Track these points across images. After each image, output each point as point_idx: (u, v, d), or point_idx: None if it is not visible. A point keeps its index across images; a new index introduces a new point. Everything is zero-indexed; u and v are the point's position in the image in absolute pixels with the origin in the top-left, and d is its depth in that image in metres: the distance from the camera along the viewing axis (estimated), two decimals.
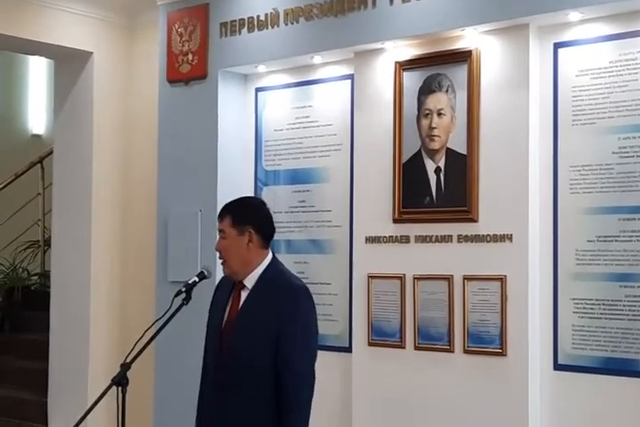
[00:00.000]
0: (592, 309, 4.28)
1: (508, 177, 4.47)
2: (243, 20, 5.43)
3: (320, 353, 3.54)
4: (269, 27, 5.30)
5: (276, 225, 3.62)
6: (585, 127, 4.34)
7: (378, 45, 4.89)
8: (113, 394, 3.28)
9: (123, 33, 6.49)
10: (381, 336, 4.86)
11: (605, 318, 4.24)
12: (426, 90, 4.76)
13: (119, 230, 6.47)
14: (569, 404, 4.34)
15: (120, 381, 3.29)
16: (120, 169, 6.48)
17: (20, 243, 8.33)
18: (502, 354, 4.43)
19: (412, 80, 4.81)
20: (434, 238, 4.71)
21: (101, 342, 6.34)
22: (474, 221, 4.57)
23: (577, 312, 4.33)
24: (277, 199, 5.42)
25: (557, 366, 4.38)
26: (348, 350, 5.06)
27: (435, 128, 4.72)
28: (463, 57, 4.62)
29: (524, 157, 4.42)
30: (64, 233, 6.52)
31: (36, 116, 9.79)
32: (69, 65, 6.48)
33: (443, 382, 4.62)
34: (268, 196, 5.47)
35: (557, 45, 4.43)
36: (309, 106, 5.41)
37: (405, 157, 4.82)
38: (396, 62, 4.86)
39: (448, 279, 4.62)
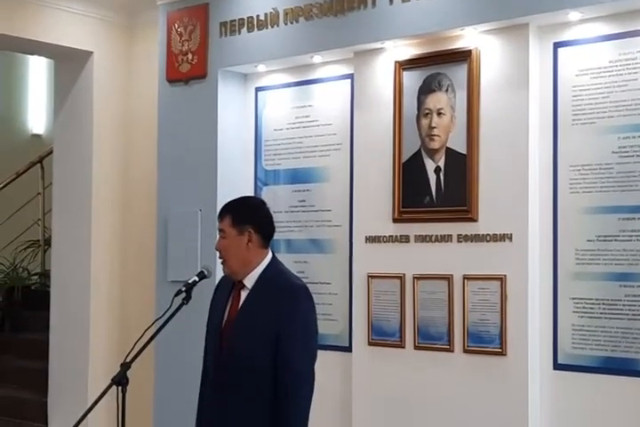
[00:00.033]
0: (592, 308, 4.28)
1: (507, 177, 4.47)
2: (242, 19, 5.43)
3: (320, 353, 3.53)
4: (269, 26, 5.30)
5: (275, 225, 3.62)
6: (585, 127, 4.34)
7: (378, 45, 4.89)
8: (113, 394, 3.28)
9: (122, 32, 6.49)
10: (381, 336, 4.86)
11: (605, 318, 4.25)
12: (426, 89, 4.76)
13: (119, 230, 6.48)
14: (569, 403, 4.34)
15: (120, 380, 3.29)
16: (120, 169, 6.48)
17: (21, 242, 8.33)
18: (502, 354, 4.43)
19: (412, 80, 4.81)
20: (434, 238, 4.71)
21: (101, 341, 6.34)
22: (474, 220, 4.57)
23: (577, 312, 4.33)
24: (277, 199, 5.42)
25: (557, 366, 4.38)
26: (348, 349, 5.06)
27: (434, 128, 4.72)
28: (463, 56, 4.62)
29: (523, 157, 4.42)
30: (64, 233, 6.52)
31: (36, 116, 9.79)
32: (69, 64, 6.49)
33: (442, 382, 4.63)
34: (267, 195, 5.47)
35: (557, 45, 4.43)
36: (309, 105, 5.41)
37: (405, 157, 4.82)
38: (396, 62, 4.86)
39: (448, 279, 4.62)
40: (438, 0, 4.59)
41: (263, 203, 3.67)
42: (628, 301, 4.18)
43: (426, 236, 4.73)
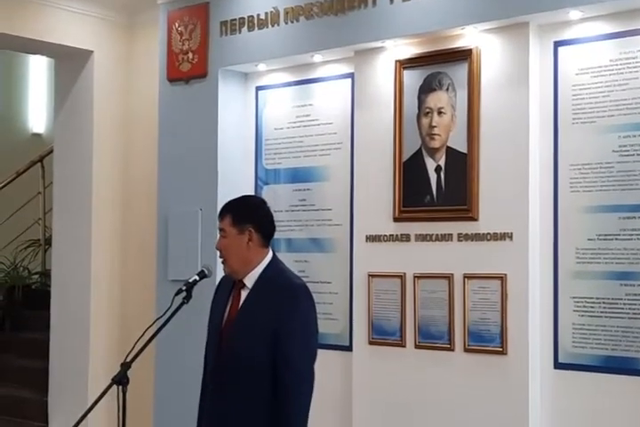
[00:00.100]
0: (592, 307, 4.28)
1: (508, 176, 4.47)
2: (243, 18, 5.43)
3: (320, 352, 3.53)
4: (270, 25, 5.30)
5: (276, 224, 3.62)
6: (585, 126, 4.34)
7: (378, 44, 4.89)
8: (113, 393, 3.28)
9: (123, 32, 6.49)
10: (382, 335, 4.86)
11: (606, 317, 4.25)
12: (426, 88, 4.76)
13: (119, 229, 6.48)
14: (569, 402, 4.34)
15: (120, 380, 3.29)
16: (120, 168, 6.48)
17: (21, 242, 8.33)
18: (502, 353, 4.43)
19: (413, 79, 4.81)
20: (434, 237, 4.71)
21: (102, 340, 6.34)
22: (474, 219, 4.57)
23: (577, 311, 4.33)
24: (278, 198, 5.42)
25: (558, 365, 4.37)
26: (349, 348, 5.06)
27: (435, 127, 4.72)
28: (463, 55, 4.62)
29: (524, 156, 4.42)
30: (64, 232, 6.52)
31: (37, 115, 9.79)
32: (70, 64, 6.49)
33: (443, 381, 4.62)
34: (268, 194, 5.47)
35: (558, 44, 4.43)
36: (310, 104, 5.41)
37: (406, 156, 4.82)
38: (397, 61, 4.86)
39: (448, 278, 4.62)
40: None
41: (263, 202, 3.67)
42: (628, 300, 4.18)
43: (426, 235, 4.73)
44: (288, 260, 4.29)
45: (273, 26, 5.28)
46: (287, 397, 3.35)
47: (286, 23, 5.22)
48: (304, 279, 3.66)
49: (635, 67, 4.21)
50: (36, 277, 8.27)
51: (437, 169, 4.72)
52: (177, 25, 5.76)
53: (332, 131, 5.29)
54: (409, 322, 4.76)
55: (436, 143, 4.72)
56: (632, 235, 4.18)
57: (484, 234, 4.53)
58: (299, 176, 5.44)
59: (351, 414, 4.97)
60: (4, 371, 7.32)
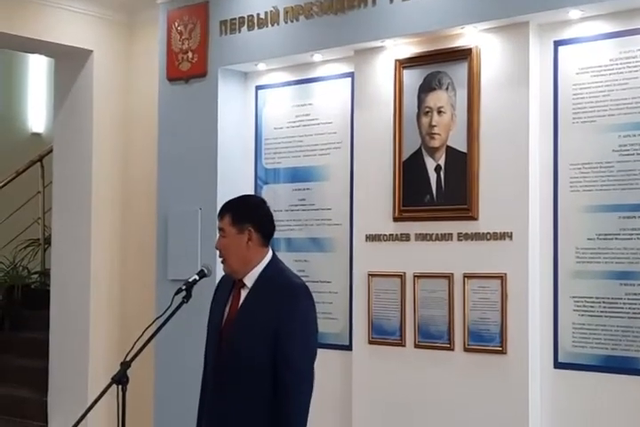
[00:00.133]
0: (592, 307, 4.28)
1: (508, 175, 4.47)
2: (243, 18, 5.42)
3: (320, 351, 3.53)
4: (269, 25, 5.30)
5: (276, 223, 3.61)
6: (585, 125, 4.34)
7: (378, 43, 4.89)
8: (113, 392, 3.27)
9: (122, 31, 6.49)
10: (381, 334, 4.86)
11: (605, 316, 4.24)
12: (426, 88, 4.76)
13: (119, 229, 6.47)
14: (569, 402, 4.34)
15: (120, 379, 3.29)
16: (120, 167, 6.48)
17: (20, 241, 8.33)
18: (502, 352, 4.42)
19: (413, 78, 4.81)
20: (434, 236, 4.71)
21: (101, 340, 6.34)
22: (474, 219, 4.57)
23: (577, 310, 4.33)
24: (277, 197, 5.42)
25: (557, 365, 4.37)
26: (349, 348, 5.06)
27: (435, 126, 4.72)
28: (463, 55, 4.61)
29: (524, 155, 4.42)
30: (64, 231, 6.52)
31: (36, 115, 9.79)
32: (69, 63, 6.48)
33: (443, 381, 4.62)
34: (268, 194, 5.47)
35: (558, 43, 4.43)
36: (309, 104, 5.41)
37: (405, 155, 4.82)
38: (396, 60, 4.86)
39: (448, 277, 4.62)
40: None
41: (263, 201, 3.66)
42: (628, 299, 4.18)
43: (426, 234, 4.73)
44: (288, 259, 4.29)
45: (273, 25, 5.28)
46: (287, 396, 3.34)
47: (286, 22, 5.22)
48: (304, 279, 3.66)
49: (635, 66, 4.20)
50: (36, 276, 8.27)
51: (437, 168, 4.72)
52: (177, 24, 5.76)
53: (332, 130, 5.29)
54: (409, 321, 4.76)
55: (435, 143, 4.72)
56: (632, 234, 4.18)
57: (483, 233, 4.53)
58: (298, 176, 5.44)
59: (351, 414, 4.97)
60: (3, 371, 7.33)
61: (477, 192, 4.55)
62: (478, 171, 4.55)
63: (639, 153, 4.18)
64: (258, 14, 5.35)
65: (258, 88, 5.65)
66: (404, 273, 4.78)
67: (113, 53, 6.44)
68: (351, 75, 5.15)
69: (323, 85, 5.35)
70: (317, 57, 5.25)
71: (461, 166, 4.61)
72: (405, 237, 4.81)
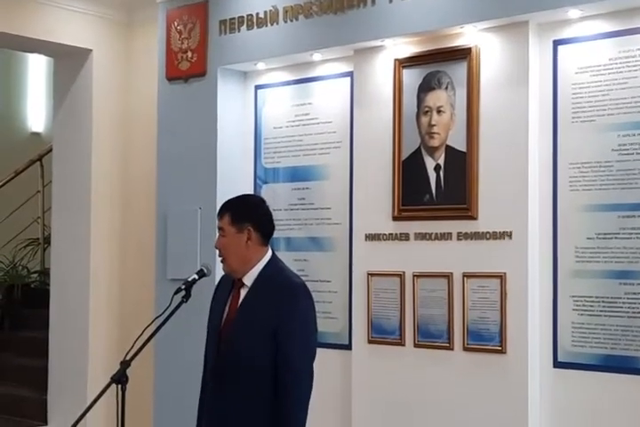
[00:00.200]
0: (592, 306, 4.28)
1: (507, 174, 4.47)
2: (242, 17, 5.42)
3: (320, 351, 3.53)
4: (269, 24, 5.30)
5: (275, 223, 3.61)
6: (585, 124, 4.34)
7: (377, 43, 4.89)
8: (112, 392, 3.27)
9: (122, 30, 6.49)
10: (381, 334, 4.86)
11: (605, 316, 4.24)
12: (425, 87, 4.76)
13: (118, 228, 6.47)
14: (569, 401, 4.34)
15: (120, 378, 3.29)
16: (119, 167, 6.48)
17: (20, 241, 8.33)
18: (502, 352, 4.42)
19: (412, 77, 4.81)
20: (433, 236, 4.71)
21: (101, 339, 6.34)
22: (473, 218, 4.57)
23: (576, 310, 4.33)
24: (277, 197, 5.42)
25: (557, 364, 4.37)
26: (348, 347, 5.06)
27: (434, 125, 4.72)
28: (463, 54, 4.61)
29: (523, 155, 4.42)
30: (63, 231, 6.52)
31: (36, 114, 9.78)
32: (68, 62, 6.48)
33: (442, 380, 4.62)
34: (267, 193, 5.47)
35: (557, 43, 4.43)
36: (309, 103, 5.41)
37: (405, 155, 4.82)
38: (396, 60, 4.86)
39: (448, 277, 4.62)
40: None
41: (263, 201, 3.66)
42: (627, 298, 4.18)
43: (426, 234, 4.73)
44: (287, 259, 4.29)
45: (272, 24, 5.28)
46: (286, 396, 3.35)
47: (285, 22, 5.22)
48: (303, 278, 3.65)
49: (634, 65, 4.20)
50: (35, 275, 8.27)
51: (437, 168, 4.72)
52: (176, 24, 5.76)
53: (332, 129, 5.29)
54: (408, 321, 4.76)
55: (435, 142, 4.72)
56: (631, 234, 4.18)
57: (483, 233, 4.53)
58: (298, 175, 5.43)
59: (350, 413, 4.97)
60: (3, 370, 7.32)
61: (477, 191, 4.55)
62: (478, 170, 4.55)
63: (638, 152, 4.18)
64: (257, 14, 5.35)
65: (257, 87, 5.65)
66: (404, 272, 4.78)
67: (112, 53, 6.44)
68: (350, 74, 5.15)
69: (322, 85, 5.35)
70: (317, 56, 5.25)
71: (461, 166, 4.61)
72: (405, 237, 4.81)
